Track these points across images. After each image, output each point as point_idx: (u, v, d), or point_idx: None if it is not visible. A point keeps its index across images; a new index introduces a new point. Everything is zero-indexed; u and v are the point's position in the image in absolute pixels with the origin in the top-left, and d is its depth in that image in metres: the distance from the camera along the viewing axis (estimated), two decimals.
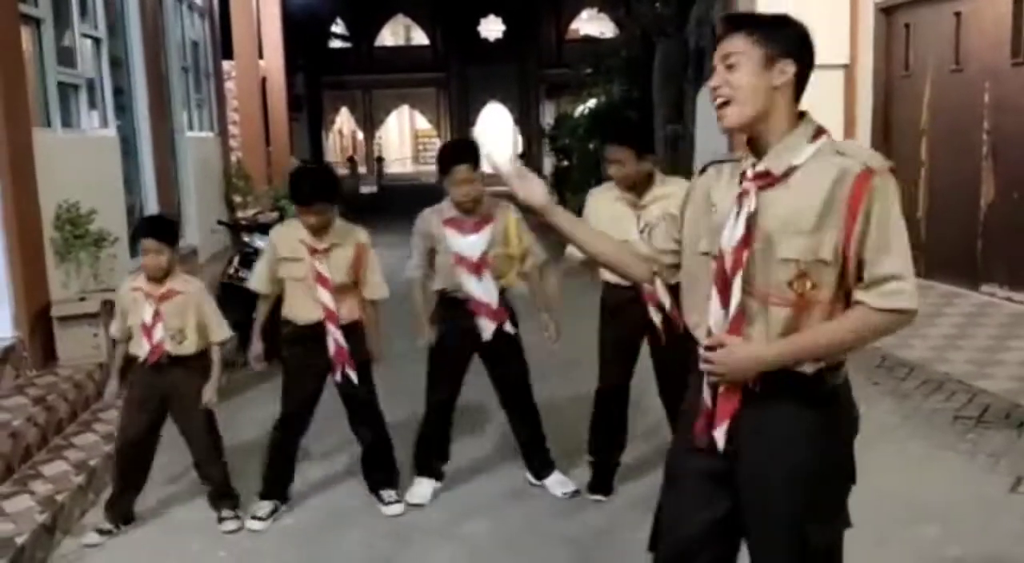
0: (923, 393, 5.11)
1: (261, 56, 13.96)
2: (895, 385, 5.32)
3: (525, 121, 30.16)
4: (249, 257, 6.33)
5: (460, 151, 3.91)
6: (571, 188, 14.88)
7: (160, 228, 3.78)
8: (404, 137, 35.61)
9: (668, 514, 2.14)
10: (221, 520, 3.88)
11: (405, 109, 33.14)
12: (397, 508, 3.98)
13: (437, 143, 31.07)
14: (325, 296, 3.79)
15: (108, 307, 4.97)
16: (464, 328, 3.94)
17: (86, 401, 5.12)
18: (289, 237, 3.87)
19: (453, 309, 3.96)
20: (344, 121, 33.00)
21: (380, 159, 29.79)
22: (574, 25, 30.05)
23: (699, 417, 2.03)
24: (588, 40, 21.87)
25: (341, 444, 4.54)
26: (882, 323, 1.85)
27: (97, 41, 7.34)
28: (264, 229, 6.69)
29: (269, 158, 13.94)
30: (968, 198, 7.03)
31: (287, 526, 3.92)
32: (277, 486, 4.01)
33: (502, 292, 3.98)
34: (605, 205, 3.78)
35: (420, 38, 31.64)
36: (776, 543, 1.98)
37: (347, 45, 30.97)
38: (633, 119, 4.49)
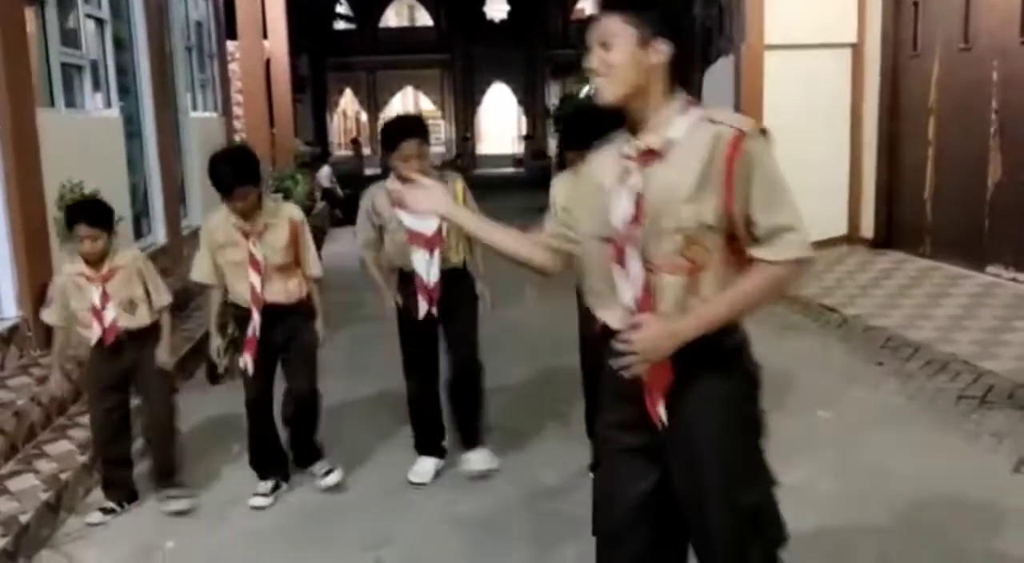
0: (927, 373, 5.10)
1: (265, 37, 13.87)
2: (899, 365, 5.32)
3: (530, 102, 29.99)
4: None
5: (407, 127, 3.86)
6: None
7: (94, 213, 3.70)
8: None
9: (602, 490, 2.18)
10: (167, 499, 3.85)
11: (409, 90, 32.90)
12: (333, 478, 4.03)
13: (442, 124, 30.93)
14: (255, 278, 3.77)
15: None
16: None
17: None
18: (223, 224, 3.82)
19: (412, 285, 3.94)
20: (348, 102, 32.81)
21: None
22: (580, 5, 29.76)
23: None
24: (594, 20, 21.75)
25: (339, 424, 4.55)
26: (781, 275, 1.91)
27: (101, 22, 7.32)
28: None
29: (273, 139, 13.87)
30: (975, 177, 6.98)
31: (288, 504, 3.94)
32: (269, 465, 4.02)
33: (463, 265, 3.98)
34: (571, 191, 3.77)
35: (424, 19, 31.40)
36: (708, 510, 2.01)
37: (351, 26, 30.78)
38: (577, 118, 4.45)
